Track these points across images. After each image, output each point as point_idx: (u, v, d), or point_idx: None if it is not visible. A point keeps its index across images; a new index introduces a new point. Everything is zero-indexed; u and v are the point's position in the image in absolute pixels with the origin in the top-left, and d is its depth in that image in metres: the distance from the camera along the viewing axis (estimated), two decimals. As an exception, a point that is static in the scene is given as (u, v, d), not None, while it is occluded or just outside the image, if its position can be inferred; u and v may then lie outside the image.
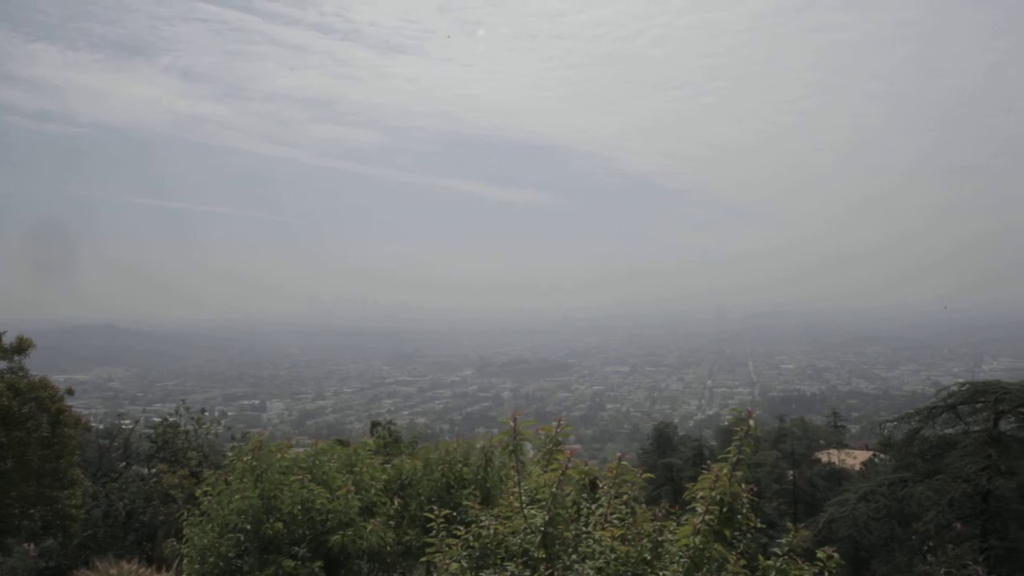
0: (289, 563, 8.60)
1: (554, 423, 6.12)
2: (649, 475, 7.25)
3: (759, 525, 5.57)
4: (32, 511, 18.28)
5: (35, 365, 19.38)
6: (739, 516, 5.37)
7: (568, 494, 6.13)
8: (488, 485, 10.52)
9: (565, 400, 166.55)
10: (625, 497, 6.23)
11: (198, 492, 9.57)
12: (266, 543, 8.88)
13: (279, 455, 9.66)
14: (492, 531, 5.77)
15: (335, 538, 8.79)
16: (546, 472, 5.77)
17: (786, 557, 5.36)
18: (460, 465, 10.91)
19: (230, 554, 8.78)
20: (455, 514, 6.55)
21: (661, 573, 5.36)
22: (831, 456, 41.37)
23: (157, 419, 26.25)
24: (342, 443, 13.05)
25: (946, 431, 21.29)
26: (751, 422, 5.43)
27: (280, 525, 8.81)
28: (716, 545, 5.21)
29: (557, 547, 5.60)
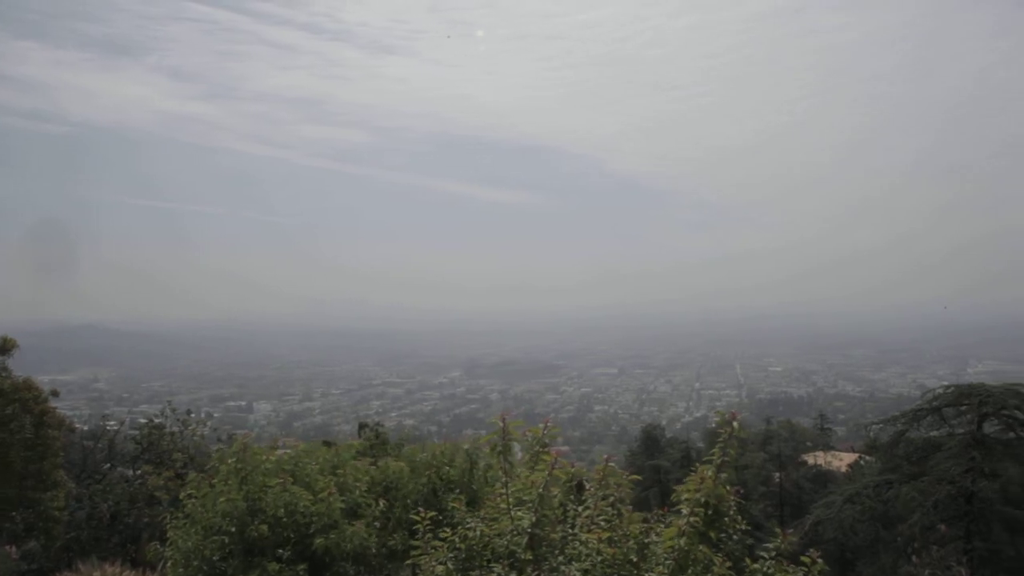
0: (274, 566, 8.55)
1: (541, 425, 6.12)
2: (636, 477, 7.26)
3: (745, 527, 5.58)
4: (14, 513, 18.11)
5: (19, 366, 19.18)
6: (726, 518, 5.38)
7: (555, 496, 6.13)
8: (474, 487, 10.50)
9: (553, 402, 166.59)
10: (611, 499, 6.22)
11: (182, 495, 9.49)
12: (250, 546, 8.82)
13: (264, 457, 9.60)
14: (478, 533, 5.75)
15: (319, 540, 8.74)
16: (533, 474, 5.76)
17: (772, 560, 5.37)
18: (446, 467, 10.88)
19: (214, 557, 8.72)
20: (441, 516, 6.53)
21: (647, 575, 5.36)
22: (817, 458, 41.57)
23: (143, 420, 26.03)
24: (328, 444, 12.99)
25: (931, 433, 21.46)
26: (735, 424, 5.44)
27: (265, 528, 8.75)
28: (701, 547, 5.21)
29: (544, 549, 5.59)
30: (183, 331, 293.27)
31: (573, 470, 6.74)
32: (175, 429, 24.43)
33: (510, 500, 5.82)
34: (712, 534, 5.29)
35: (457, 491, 10.24)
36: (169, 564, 8.93)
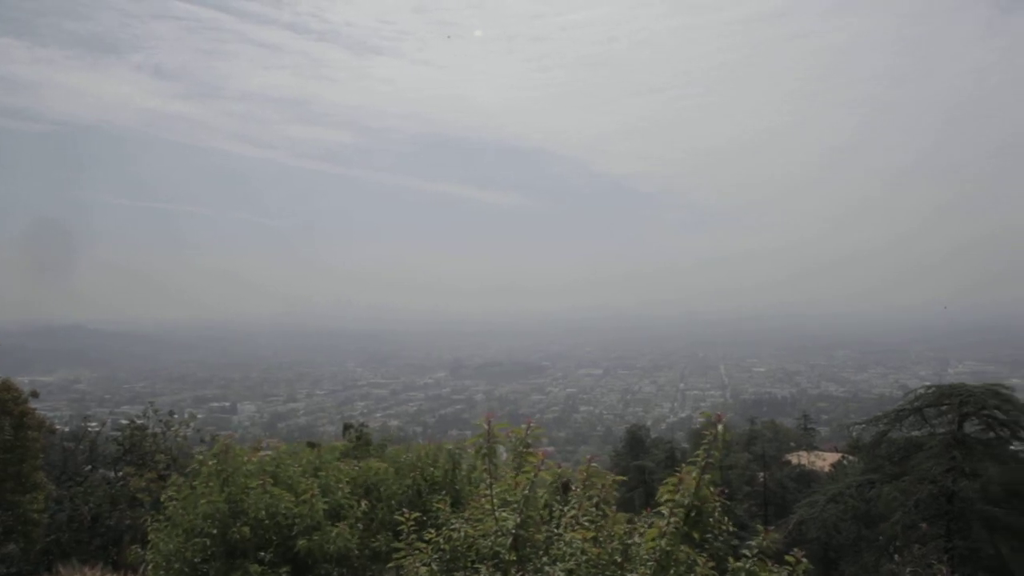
0: (256, 568, 8.48)
1: (524, 426, 6.10)
2: (621, 477, 7.26)
3: (730, 528, 5.60)
4: (-8, 516, 17.87)
5: (1, 367, 18.94)
6: (710, 519, 5.39)
7: (541, 497, 6.12)
8: (458, 488, 10.47)
9: (539, 403, 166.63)
10: (595, 499, 6.22)
11: (163, 497, 9.40)
12: (232, 548, 8.74)
13: (245, 458, 9.52)
14: (463, 534, 5.73)
15: (302, 542, 8.68)
16: (518, 475, 5.75)
17: (755, 559, 5.38)
18: (431, 468, 10.84)
19: (196, 559, 8.64)
20: (426, 517, 6.50)
21: (630, 575, 5.35)
22: (801, 458, 41.89)
23: (124, 421, 25.79)
24: (313, 446, 12.91)
25: (913, 433, 21.67)
26: (720, 427, 5.45)
27: (247, 530, 8.68)
28: (684, 548, 5.22)
29: (528, 549, 5.58)
30: (167, 331, 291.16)
31: (559, 471, 6.73)
32: (157, 430, 24.20)
33: (494, 501, 5.80)
34: (695, 535, 5.29)
35: (442, 492, 10.21)
36: (150, 567, 8.84)
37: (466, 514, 5.93)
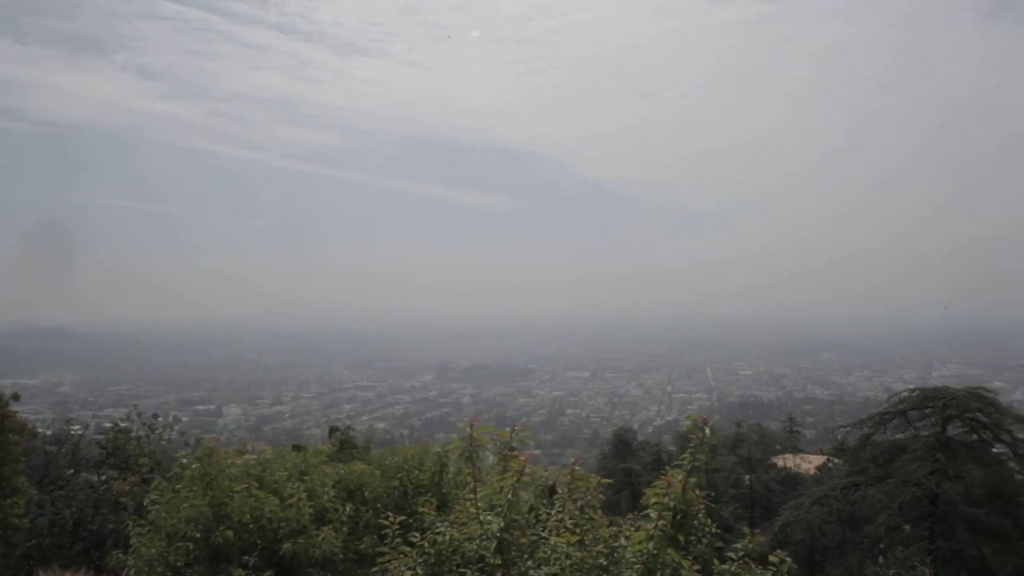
0: (239, 572, 8.42)
1: (509, 429, 6.09)
2: (607, 480, 7.27)
3: (715, 530, 5.61)
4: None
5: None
6: (695, 522, 5.40)
7: (527, 500, 6.11)
8: (444, 491, 10.44)
9: (525, 405, 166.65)
10: (580, 503, 6.22)
11: (146, 501, 9.31)
12: (216, 552, 8.68)
13: (229, 461, 9.45)
14: (448, 537, 5.72)
15: (287, 546, 8.62)
16: (502, 479, 5.74)
17: (740, 562, 5.40)
18: (416, 471, 10.80)
19: (178, 563, 8.56)
20: (411, 521, 6.48)
21: (615, 579, 5.35)
22: (787, 461, 42.11)
23: (108, 424, 25.60)
24: (298, 449, 12.84)
25: (897, 436, 21.82)
26: (707, 430, 5.47)
27: (230, 533, 8.62)
28: (670, 550, 5.22)
29: (513, 553, 5.57)
30: (153, 333, 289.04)
31: (544, 474, 6.73)
32: (141, 433, 24.03)
33: (479, 505, 5.79)
34: (681, 537, 5.30)
35: (428, 494, 10.18)
36: (132, 572, 8.75)
37: (451, 517, 5.92)
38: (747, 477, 38.09)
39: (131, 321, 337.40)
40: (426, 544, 5.73)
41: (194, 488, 9.01)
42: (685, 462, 5.42)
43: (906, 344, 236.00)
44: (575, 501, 6.22)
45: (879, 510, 19.93)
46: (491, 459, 6.28)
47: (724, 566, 5.38)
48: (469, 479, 5.94)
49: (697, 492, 5.42)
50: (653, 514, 5.29)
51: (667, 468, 5.62)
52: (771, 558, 5.36)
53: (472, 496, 5.84)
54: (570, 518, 6.04)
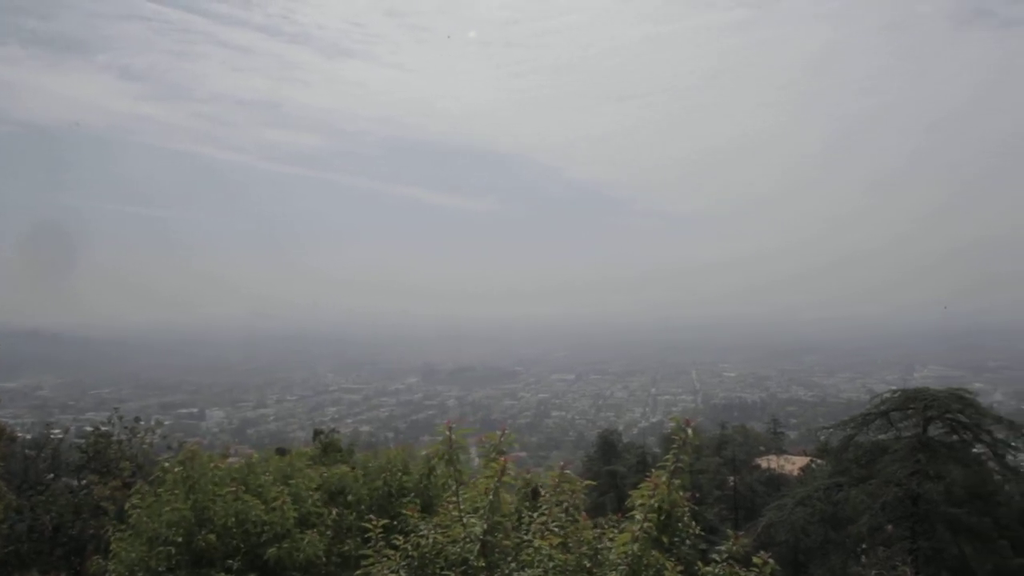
0: (222, 576, 8.35)
1: (498, 432, 6.09)
2: (591, 482, 7.26)
3: (699, 532, 5.63)
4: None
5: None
6: (679, 524, 5.42)
7: (512, 503, 6.10)
8: (430, 494, 10.40)
9: (511, 408, 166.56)
10: (565, 505, 6.22)
11: (127, 505, 9.21)
12: (198, 556, 8.60)
13: (212, 465, 9.37)
14: (431, 540, 5.70)
15: (271, 550, 8.56)
16: (483, 480, 5.73)
17: (724, 563, 5.42)
18: (400, 474, 10.75)
19: (160, 568, 8.47)
20: (395, 523, 6.45)
21: (599, 581, 5.36)
22: (771, 462, 42.31)
23: (89, 428, 25.27)
24: (282, 452, 12.75)
25: (879, 437, 21.99)
26: (690, 431, 5.48)
27: (213, 537, 8.54)
28: (654, 552, 5.23)
29: (496, 556, 5.56)
30: (135, 335, 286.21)
31: (528, 476, 6.72)
32: (123, 437, 23.76)
33: (462, 507, 5.78)
34: (665, 539, 5.31)
35: (412, 495, 10.14)
36: (113, 577, 8.65)
37: (435, 520, 5.90)
38: (731, 478, 38.21)
39: (113, 323, 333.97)
40: (409, 547, 5.71)
41: (176, 492, 8.93)
42: (668, 463, 5.44)
43: (891, 346, 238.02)
44: (560, 503, 6.22)
45: (862, 510, 20.07)
46: (477, 462, 6.27)
47: (708, 568, 5.40)
48: (451, 482, 5.93)
49: (681, 493, 5.44)
50: (638, 515, 5.30)
51: (652, 470, 5.64)
52: (755, 559, 5.39)
53: (455, 499, 5.83)
54: (554, 520, 6.04)
